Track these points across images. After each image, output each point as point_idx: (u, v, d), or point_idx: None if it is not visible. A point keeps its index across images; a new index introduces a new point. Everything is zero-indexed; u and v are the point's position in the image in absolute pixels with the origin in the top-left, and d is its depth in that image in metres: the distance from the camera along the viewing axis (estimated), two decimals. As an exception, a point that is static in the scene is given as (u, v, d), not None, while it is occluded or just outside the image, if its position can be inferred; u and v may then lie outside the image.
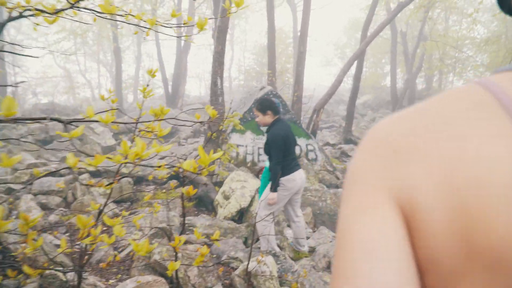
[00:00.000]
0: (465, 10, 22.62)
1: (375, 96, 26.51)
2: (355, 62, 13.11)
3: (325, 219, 6.67)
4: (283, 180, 4.40)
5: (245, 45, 39.85)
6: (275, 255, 4.34)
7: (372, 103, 25.88)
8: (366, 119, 20.68)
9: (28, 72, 33.79)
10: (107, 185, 1.39)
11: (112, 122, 1.64)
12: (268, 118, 4.46)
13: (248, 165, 9.54)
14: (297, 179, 4.49)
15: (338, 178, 9.93)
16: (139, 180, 7.25)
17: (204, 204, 6.68)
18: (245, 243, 5.15)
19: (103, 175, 7.19)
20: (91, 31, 22.70)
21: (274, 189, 4.32)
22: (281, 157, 4.30)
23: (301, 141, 9.85)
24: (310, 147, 9.87)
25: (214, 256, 4.69)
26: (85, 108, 21.73)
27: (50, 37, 26.92)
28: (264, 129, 9.81)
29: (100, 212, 2.29)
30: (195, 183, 6.89)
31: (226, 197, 6.10)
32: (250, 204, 5.94)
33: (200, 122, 1.85)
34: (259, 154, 9.61)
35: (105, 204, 2.35)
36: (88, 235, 1.97)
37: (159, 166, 1.56)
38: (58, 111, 19.58)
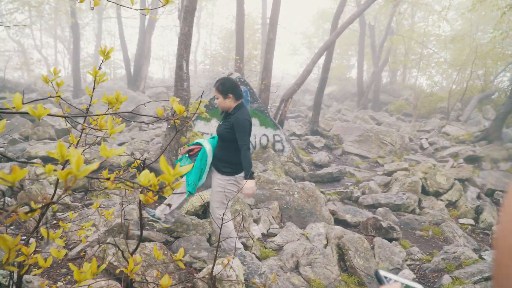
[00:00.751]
0: (432, 7, 22.97)
1: (341, 87, 26.64)
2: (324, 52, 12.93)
3: (292, 214, 6.45)
4: (238, 177, 4.01)
5: (211, 28, 38.92)
6: (241, 255, 4.04)
7: (337, 94, 26.01)
8: (332, 110, 20.71)
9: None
10: (27, 212, 1.01)
11: (48, 115, 1.25)
12: (229, 102, 3.93)
13: (213, 154, 9.18)
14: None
15: (304, 170, 9.76)
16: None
17: (166, 195, 6.28)
18: (209, 240, 4.82)
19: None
20: (48, 3, 21.23)
21: (250, 176, 3.85)
22: (249, 143, 3.87)
23: (268, 131, 9.58)
24: (277, 138, 9.62)
25: (176, 255, 4.33)
26: (40, 85, 20.43)
27: (2, 6, 25.05)
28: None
29: (39, 221, 1.89)
30: (158, 172, 6.46)
31: (190, 190, 5.73)
32: (215, 198, 5.60)
33: (165, 119, 1.49)
34: (224, 143, 9.25)
35: (47, 208, 1.93)
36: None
37: (108, 178, 1.19)
38: (9, 88, 18.28)
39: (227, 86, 3.91)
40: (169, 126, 6.98)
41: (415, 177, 8.22)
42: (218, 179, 4.01)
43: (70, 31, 19.26)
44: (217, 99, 3.98)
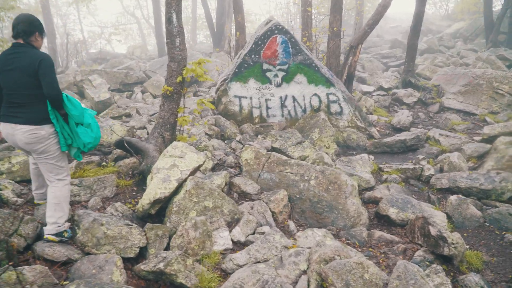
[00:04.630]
0: None
1: (470, 23, 21.50)
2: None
3: (306, 207, 4.69)
4: None
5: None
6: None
7: (465, 32, 21.07)
8: (450, 53, 16.78)
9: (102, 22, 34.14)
10: None
11: None
12: None
13: (256, 121, 7.69)
14: None
15: (372, 137, 7.58)
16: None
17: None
18: (142, 254, 3.52)
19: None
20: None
21: None
22: None
23: (319, 90, 7.63)
24: (332, 97, 7.61)
25: (66, 283, 3.12)
26: (137, 54, 20.99)
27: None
28: (270, 75, 7.72)
29: None
30: (142, 152, 5.30)
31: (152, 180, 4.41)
32: (176, 192, 4.20)
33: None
34: (267, 108, 7.68)
35: None
36: None
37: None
38: (107, 59, 19.14)
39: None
40: (163, 96, 5.68)
41: (524, 146, 5.49)
42: None
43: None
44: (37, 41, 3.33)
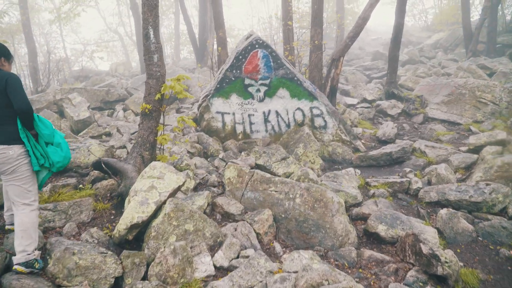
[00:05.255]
0: None
1: (450, 33, 21.87)
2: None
3: (292, 227, 4.51)
4: None
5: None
6: None
7: (445, 43, 21.42)
8: (432, 63, 16.96)
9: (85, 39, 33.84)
10: None
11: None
12: None
13: (239, 137, 7.52)
14: None
15: (357, 150, 7.47)
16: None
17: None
18: (118, 284, 3.28)
19: None
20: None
21: None
22: None
23: (303, 104, 7.52)
24: (315, 111, 7.50)
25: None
26: (120, 71, 20.75)
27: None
28: (252, 90, 7.60)
29: None
30: (120, 173, 5.08)
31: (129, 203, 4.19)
32: (155, 216, 3.98)
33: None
34: (250, 123, 7.52)
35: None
36: None
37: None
38: (90, 77, 18.83)
39: None
40: (141, 114, 5.48)
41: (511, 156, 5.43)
42: None
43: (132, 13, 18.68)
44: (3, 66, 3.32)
